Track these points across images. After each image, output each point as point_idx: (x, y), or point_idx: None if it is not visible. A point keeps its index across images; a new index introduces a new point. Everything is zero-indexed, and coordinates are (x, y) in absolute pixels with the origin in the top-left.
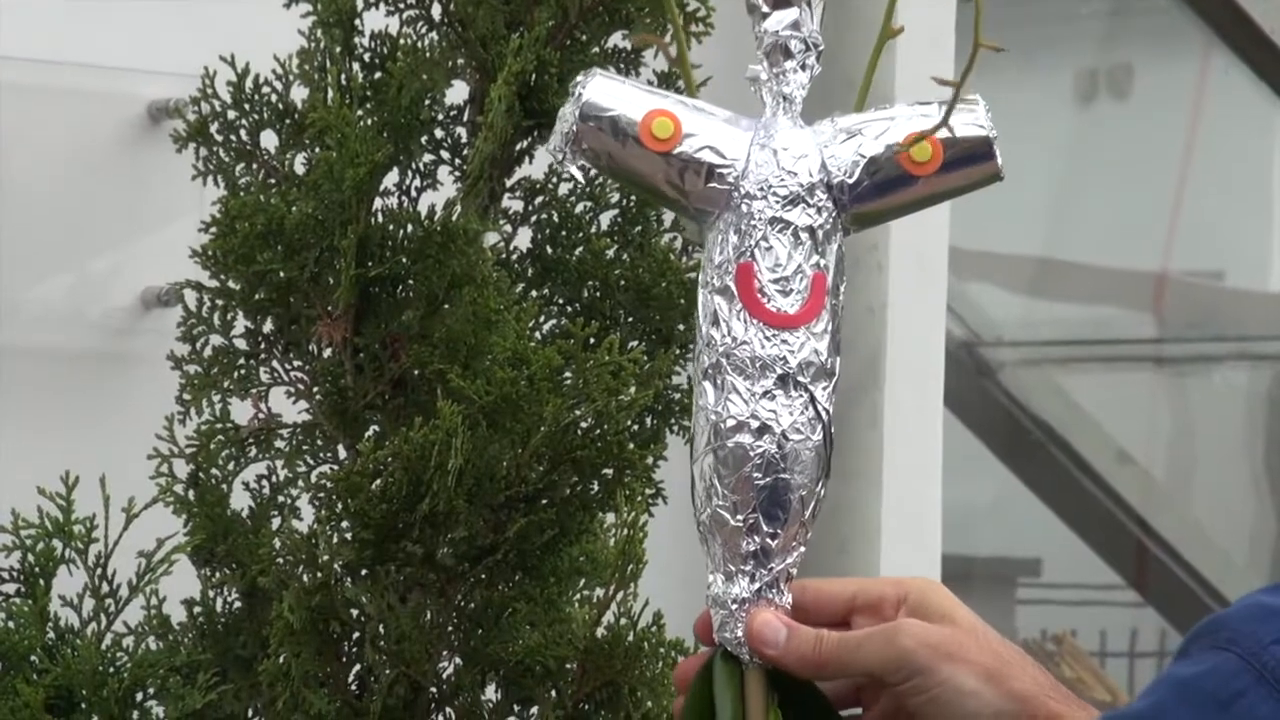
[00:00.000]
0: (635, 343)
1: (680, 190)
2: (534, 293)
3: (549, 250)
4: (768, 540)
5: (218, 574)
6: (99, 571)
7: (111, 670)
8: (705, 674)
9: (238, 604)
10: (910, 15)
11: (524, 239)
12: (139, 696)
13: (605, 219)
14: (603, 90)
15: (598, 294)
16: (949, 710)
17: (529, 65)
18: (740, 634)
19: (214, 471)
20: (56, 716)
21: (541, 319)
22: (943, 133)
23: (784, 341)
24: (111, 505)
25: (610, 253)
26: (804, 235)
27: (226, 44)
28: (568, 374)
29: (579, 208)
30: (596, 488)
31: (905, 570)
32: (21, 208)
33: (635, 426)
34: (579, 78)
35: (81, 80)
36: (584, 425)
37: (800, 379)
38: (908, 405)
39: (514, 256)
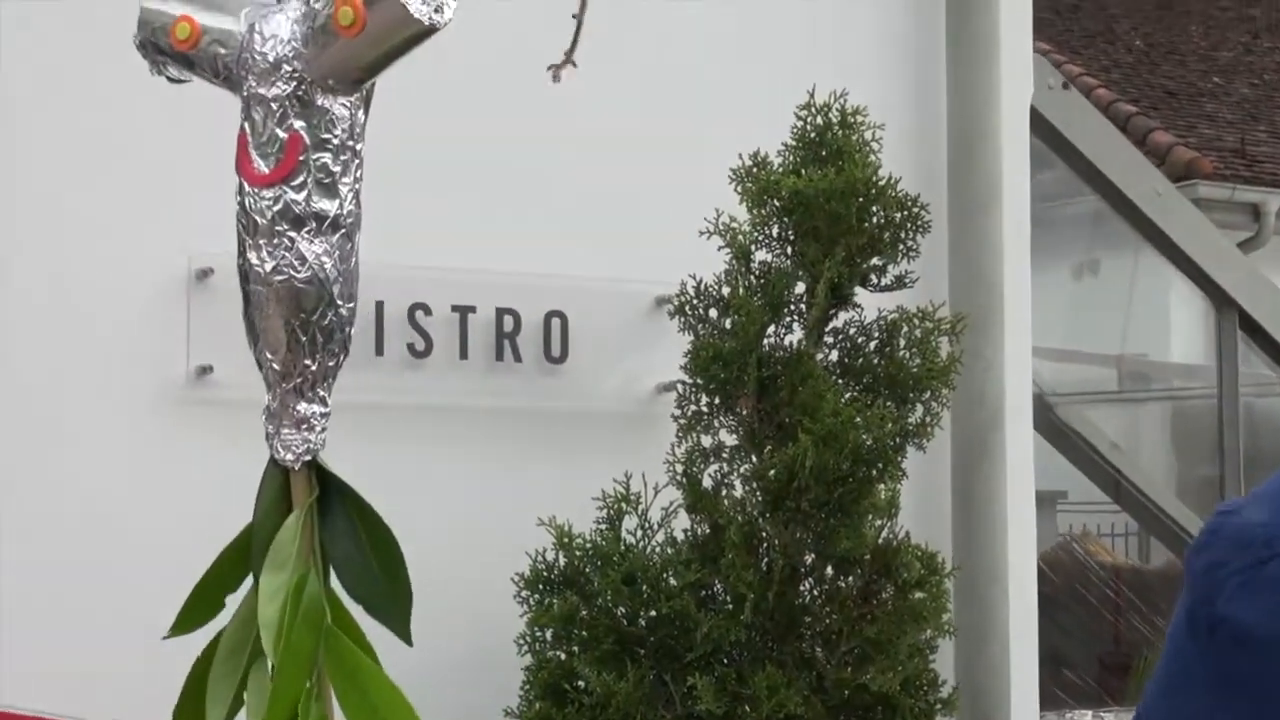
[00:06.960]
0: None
1: (219, 82)
2: (839, 381)
3: (847, 360)
4: (275, 365)
5: None
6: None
7: None
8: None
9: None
10: None
11: (834, 354)
12: None
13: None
14: (150, 5)
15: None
16: None
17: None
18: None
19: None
20: None
21: (845, 395)
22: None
23: (263, 197)
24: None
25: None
26: (274, 105)
27: None
28: (858, 419)
29: (872, 344)
30: (875, 472)
31: None
32: None
33: (891, 443)
34: None
35: None
36: (868, 443)
37: (279, 227)
38: None
39: (830, 364)
